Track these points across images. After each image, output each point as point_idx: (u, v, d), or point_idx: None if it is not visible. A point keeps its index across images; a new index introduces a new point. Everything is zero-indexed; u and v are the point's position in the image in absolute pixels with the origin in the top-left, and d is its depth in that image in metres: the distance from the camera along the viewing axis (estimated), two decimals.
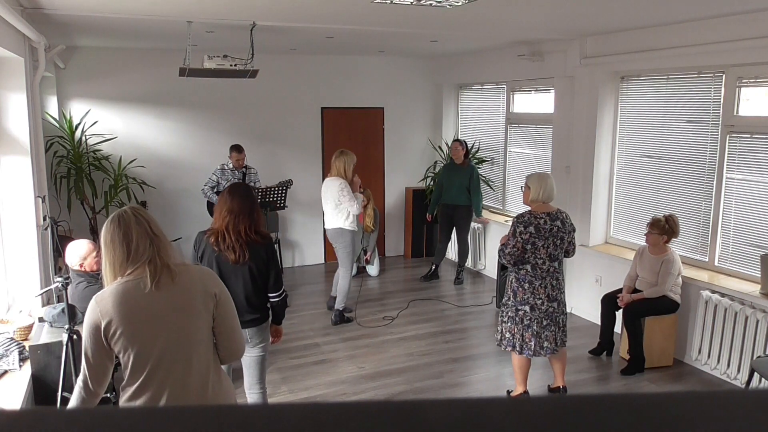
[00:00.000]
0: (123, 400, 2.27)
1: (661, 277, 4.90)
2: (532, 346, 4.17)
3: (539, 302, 4.13)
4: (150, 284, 2.16)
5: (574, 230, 4.21)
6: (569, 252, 4.23)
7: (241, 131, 7.64)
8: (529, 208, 4.16)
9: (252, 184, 6.96)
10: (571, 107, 6.27)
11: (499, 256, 4.27)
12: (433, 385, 4.81)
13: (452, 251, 8.15)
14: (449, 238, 7.63)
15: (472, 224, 7.84)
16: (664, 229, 4.91)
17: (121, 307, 2.14)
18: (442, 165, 7.85)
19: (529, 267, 4.11)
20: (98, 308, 2.16)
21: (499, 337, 4.34)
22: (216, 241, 3.26)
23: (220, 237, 3.25)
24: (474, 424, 0.42)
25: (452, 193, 7.31)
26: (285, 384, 4.78)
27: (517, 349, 4.21)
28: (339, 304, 6.11)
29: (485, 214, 7.94)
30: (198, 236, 3.40)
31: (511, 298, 4.22)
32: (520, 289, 4.16)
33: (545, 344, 4.18)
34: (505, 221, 7.48)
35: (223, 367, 2.47)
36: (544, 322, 4.16)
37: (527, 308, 4.14)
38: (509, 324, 4.23)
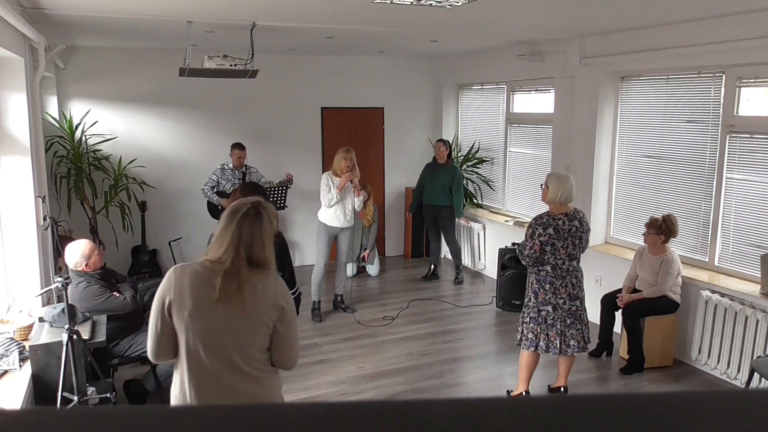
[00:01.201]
0: (173, 386, 2.32)
1: (660, 277, 4.90)
2: (558, 344, 4.18)
3: (561, 302, 4.15)
4: (220, 296, 2.18)
5: (589, 230, 4.23)
6: (582, 249, 4.25)
7: (241, 131, 7.64)
8: (546, 208, 4.16)
9: (257, 181, 6.96)
10: (571, 107, 6.27)
11: (518, 256, 4.30)
12: (433, 385, 4.81)
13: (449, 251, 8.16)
14: (440, 237, 7.63)
15: (467, 224, 7.85)
16: (660, 228, 4.91)
17: (194, 288, 2.20)
18: (425, 164, 7.78)
19: (549, 268, 4.12)
20: (173, 278, 2.22)
21: (519, 337, 4.34)
22: None
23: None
24: (474, 424, 0.42)
25: (434, 194, 7.31)
26: (285, 384, 4.75)
27: (542, 347, 4.21)
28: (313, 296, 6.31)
29: (484, 214, 7.94)
30: (211, 237, 3.41)
31: (532, 299, 4.23)
32: (542, 290, 4.17)
33: (572, 342, 4.20)
34: (505, 221, 7.49)
35: None
36: (568, 321, 4.17)
37: (549, 308, 4.16)
38: (532, 324, 4.23)
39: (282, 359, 2.37)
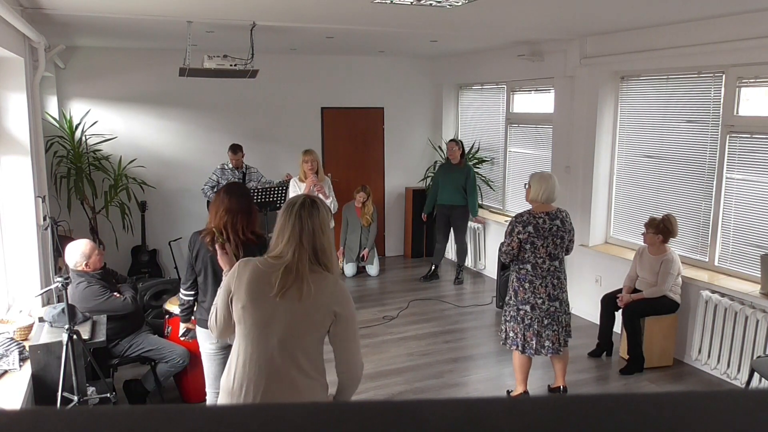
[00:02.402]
0: (225, 369, 2.39)
1: (660, 277, 4.90)
2: (534, 345, 4.18)
3: (540, 301, 4.13)
4: (276, 291, 2.22)
5: (572, 230, 4.22)
6: (568, 250, 4.24)
7: (241, 131, 7.64)
8: (530, 206, 4.17)
9: (257, 181, 6.96)
10: (571, 107, 6.27)
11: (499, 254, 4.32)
12: (433, 385, 4.81)
13: (452, 251, 8.15)
14: (447, 238, 7.64)
15: (472, 224, 7.84)
16: (659, 228, 4.91)
17: (252, 282, 2.26)
18: (439, 165, 7.84)
19: (529, 266, 4.12)
20: (237, 271, 2.30)
21: (503, 336, 4.35)
22: (211, 241, 3.24)
23: (216, 237, 3.24)
24: (474, 424, 0.42)
25: (448, 194, 7.32)
26: None
27: (520, 348, 4.21)
28: None
29: (485, 213, 7.94)
30: (192, 236, 3.38)
31: (512, 298, 4.23)
32: (521, 288, 4.16)
33: (546, 343, 4.18)
34: (505, 221, 7.47)
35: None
36: (545, 321, 4.16)
37: (528, 308, 4.15)
38: (512, 323, 4.24)
39: (341, 364, 2.37)
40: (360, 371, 2.44)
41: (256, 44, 5.33)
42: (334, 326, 2.30)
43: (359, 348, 2.42)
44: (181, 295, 3.53)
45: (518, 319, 4.19)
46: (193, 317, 3.54)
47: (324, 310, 2.26)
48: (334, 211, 6.00)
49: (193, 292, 3.43)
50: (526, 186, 4.22)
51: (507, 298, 4.32)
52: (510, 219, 4.23)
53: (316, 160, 5.77)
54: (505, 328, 4.30)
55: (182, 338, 3.76)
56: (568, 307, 4.31)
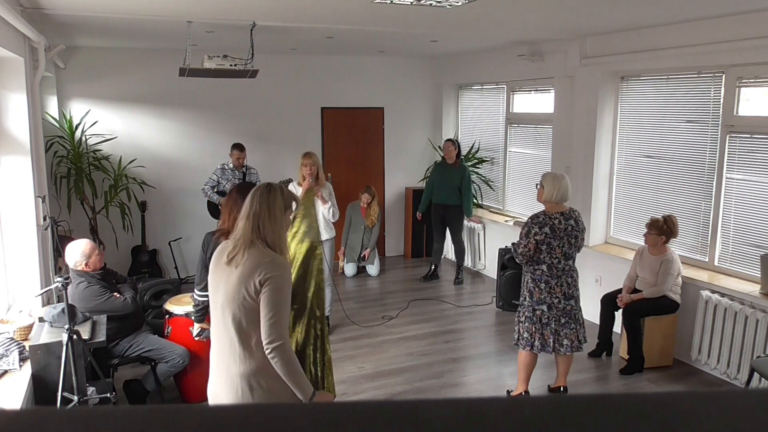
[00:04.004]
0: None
1: (660, 277, 4.90)
2: (551, 344, 4.19)
3: (556, 301, 4.15)
4: (225, 257, 2.44)
5: (584, 229, 4.23)
6: (579, 248, 4.25)
7: (241, 131, 7.64)
8: (542, 207, 4.17)
9: (256, 183, 6.95)
10: (571, 107, 6.27)
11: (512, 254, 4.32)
12: (433, 385, 4.81)
13: (451, 251, 8.15)
14: (444, 238, 7.64)
15: (472, 224, 7.85)
16: (662, 229, 4.91)
17: (216, 257, 2.54)
18: (434, 164, 7.85)
19: (545, 267, 4.12)
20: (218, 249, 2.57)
21: (516, 336, 4.35)
22: None
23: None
24: (474, 424, 0.42)
25: (443, 193, 7.32)
26: None
27: (537, 346, 4.21)
28: None
29: (485, 213, 7.95)
30: (206, 237, 3.43)
31: (528, 299, 4.23)
32: (537, 289, 4.17)
33: (564, 341, 4.20)
34: (505, 221, 7.48)
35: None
36: (563, 320, 4.17)
37: (545, 307, 4.16)
38: (527, 324, 4.24)
39: (265, 338, 2.36)
40: (284, 352, 2.37)
41: (256, 44, 5.33)
42: (260, 296, 2.36)
43: (283, 322, 2.38)
44: (195, 296, 3.56)
45: (534, 319, 4.20)
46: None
47: (249, 280, 2.36)
48: (334, 219, 5.55)
49: (207, 293, 3.43)
50: (538, 186, 4.22)
51: (521, 299, 4.32)
52: (525, 220, 4.22)
53: (315, 164, 5.37)
54: (519, 329, 4.31)
55: (197, 338, 3.83)
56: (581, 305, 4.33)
